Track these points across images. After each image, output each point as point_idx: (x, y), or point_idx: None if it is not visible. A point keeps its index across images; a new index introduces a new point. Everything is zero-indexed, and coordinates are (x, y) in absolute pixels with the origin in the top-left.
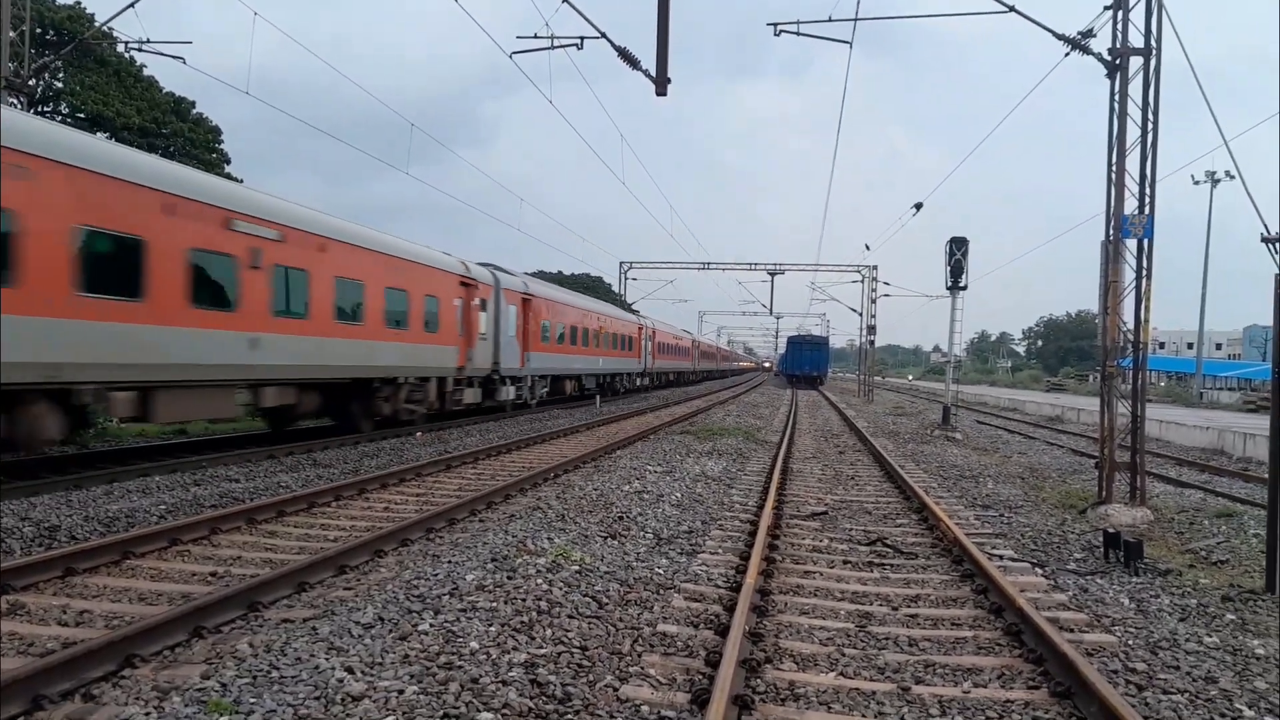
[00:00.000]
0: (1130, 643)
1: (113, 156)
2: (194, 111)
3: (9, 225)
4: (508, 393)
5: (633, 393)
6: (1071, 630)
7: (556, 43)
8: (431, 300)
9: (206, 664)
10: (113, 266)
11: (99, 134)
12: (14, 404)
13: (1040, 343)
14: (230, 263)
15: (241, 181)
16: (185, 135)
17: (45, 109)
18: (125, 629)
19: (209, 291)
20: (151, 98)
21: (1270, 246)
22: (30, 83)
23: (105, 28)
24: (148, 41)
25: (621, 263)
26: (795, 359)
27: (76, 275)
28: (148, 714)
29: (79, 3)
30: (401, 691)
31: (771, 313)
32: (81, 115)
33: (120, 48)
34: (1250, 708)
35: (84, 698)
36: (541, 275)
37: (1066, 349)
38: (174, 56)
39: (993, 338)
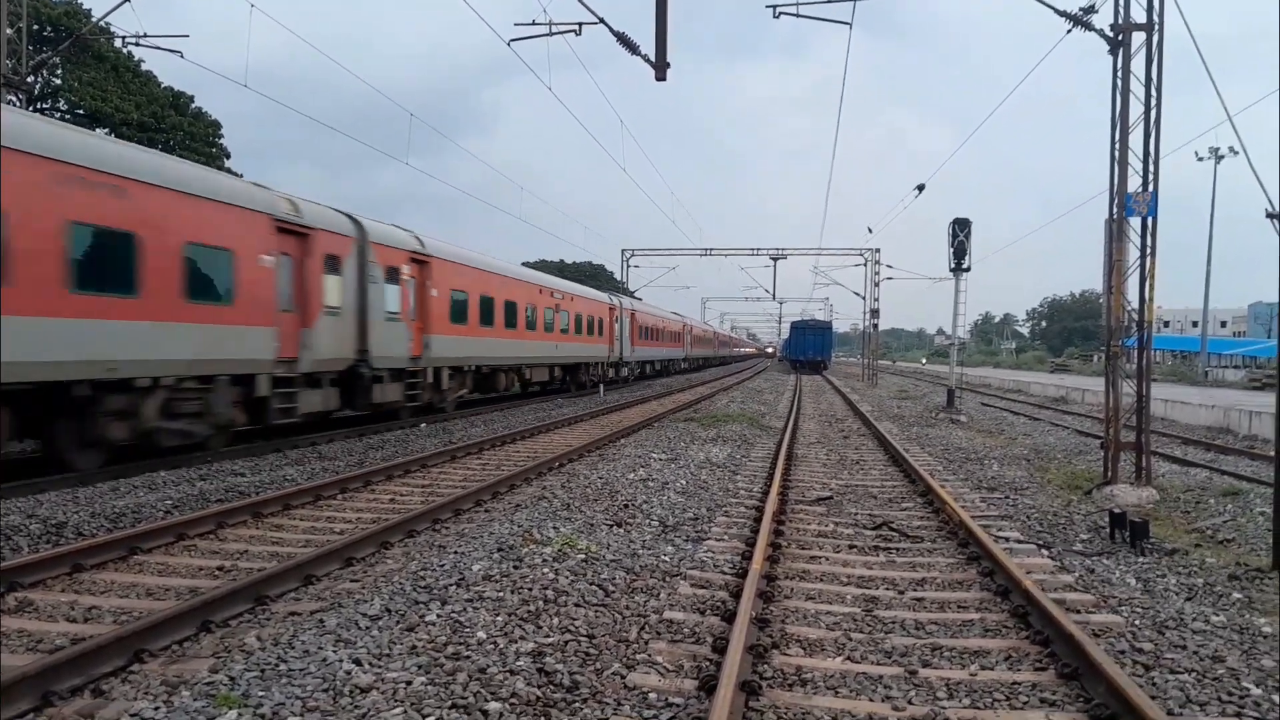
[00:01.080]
0: (1137, 623)
1: (554, 281)
2: (193, 106)
3: (492, 305)
4: (625, 371)
5: (679, 373)
6: (1078, 611)
7: (555, 29)
8: (599, 320)
9: (215, 658)
10: (529, 318)
11: (97, 130)
12: (501, 373)
13: (1044, 323)
14: (551, 312)
15: (241, 176)
16: (185, 130)
17: (44, 105)
18: (133, 624)
19: (547, 325)
20: (150, 92)
21: (1275, 222)
22: (29, 79)
23: (102, 23)
24: (144, 36)
25: (623, 250)
26: (799, 344)
27: (518, 322)
28: (157, 708)
29: None
30: (409, 682)
31: (774, 298)
32: (80, 111)
33: (117, 42)
34: (1258, 686)
35: (94, 693)
36: (543, 264)
37: (1070, 329)
38: (171, 50)
39: (996, 319)
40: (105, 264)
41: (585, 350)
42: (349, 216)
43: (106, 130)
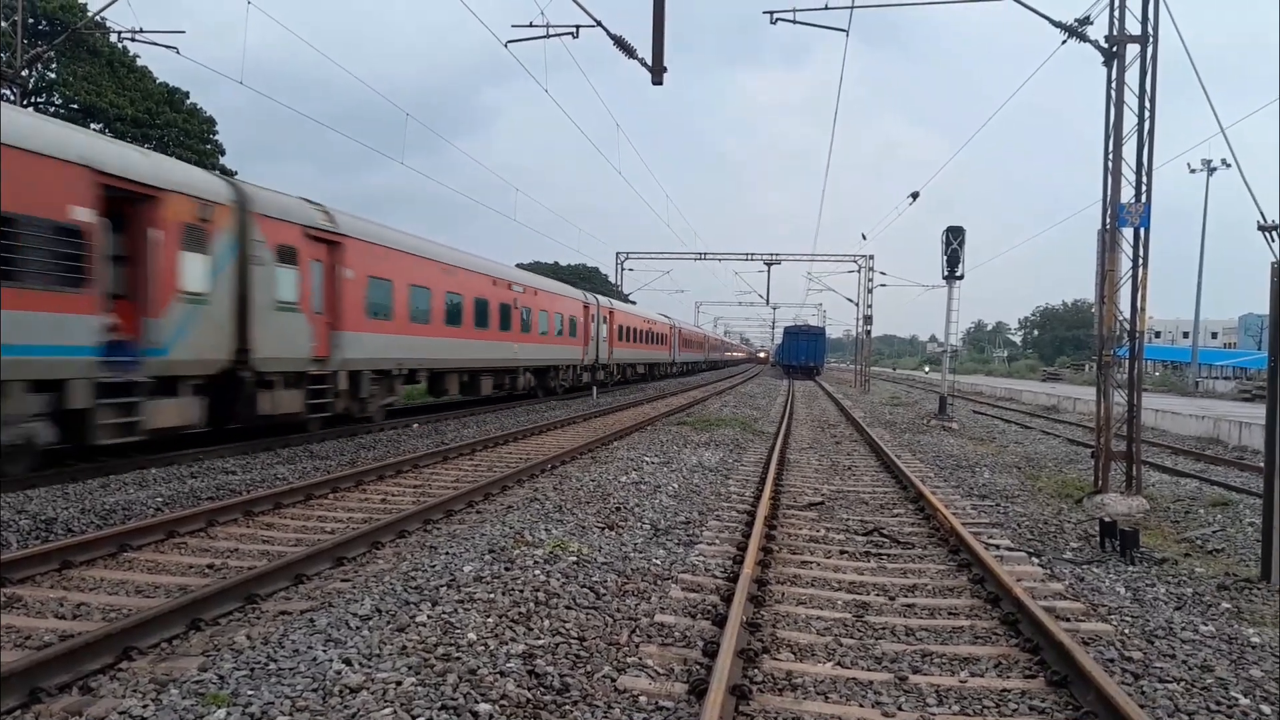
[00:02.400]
0: (1126, 631)
1: (648, 312)
2: (188, 102)
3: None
4: (674, 369)
5: (699, 372)
6: (1068, 619)
7: (552, 31)
8: (664, 335)
9: (204, 656)
10: (640, 337)
11: (91, 124)
12: (628, 368)
13: (1036, 332)
14: (646, 333)
15: (235, 174)
16: (179, 126)
17: (38, 100)
18: (122, 622)
19: (645, 339)
20: (145, 88)
21: (1267, 234)
22: (23, 74)
23: (98, 17)
24: (140, 31)
25: (618, 253)
26: (792, 349)
27: (636, 340)
28: (145, 706)
29: None
30: (399, 683)
31: (768, 303)
32: (75, 106)
33: (113, 37)
34: (1246, 695)
35: (82, 690)
36: (537, 266)
37: (1062, 338)
38: (167, 46)
39: (989, 327)
40: (563, 327)
41: (659, 356)
42: (595, 294)
43: (100, 126)
